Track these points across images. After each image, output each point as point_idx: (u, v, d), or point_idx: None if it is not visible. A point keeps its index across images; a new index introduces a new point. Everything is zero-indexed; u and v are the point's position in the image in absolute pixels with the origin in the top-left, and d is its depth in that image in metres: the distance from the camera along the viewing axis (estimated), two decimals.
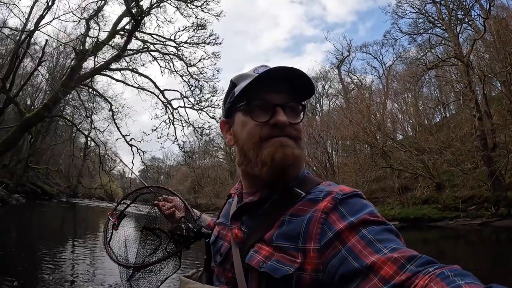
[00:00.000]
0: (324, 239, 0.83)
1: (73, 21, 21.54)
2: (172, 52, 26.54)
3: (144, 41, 26.16)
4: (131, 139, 26.05)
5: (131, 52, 26.10)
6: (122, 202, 1.63)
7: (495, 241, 14.95)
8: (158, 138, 26.28)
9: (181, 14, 24.52)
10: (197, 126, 27.13)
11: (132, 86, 26.69)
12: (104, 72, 25.45)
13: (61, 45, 25.48)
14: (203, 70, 26.66)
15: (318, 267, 0.83)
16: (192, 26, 25.36)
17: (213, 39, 25.95)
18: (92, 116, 28.30)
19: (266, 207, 1.02)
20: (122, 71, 26.53)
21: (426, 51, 28.16)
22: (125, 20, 24.31)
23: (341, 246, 0.80)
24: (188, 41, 25.84)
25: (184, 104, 26.76)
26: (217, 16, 24.55)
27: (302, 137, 1.04)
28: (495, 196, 18.18)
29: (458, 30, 25.77)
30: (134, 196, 1.64)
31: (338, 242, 0.81)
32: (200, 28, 25.44)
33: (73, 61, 23.50)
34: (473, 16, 26.06)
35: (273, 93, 1.01)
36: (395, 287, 0.66)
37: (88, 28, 22.52)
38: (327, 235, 0.83)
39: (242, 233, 1.03)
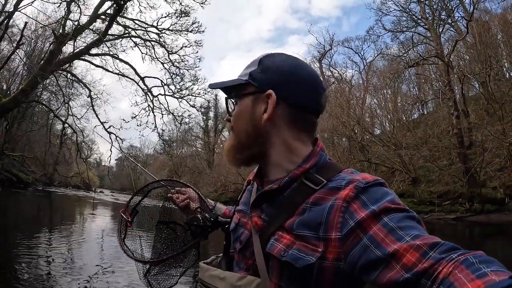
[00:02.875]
0: (345, 228, 0.83)
1: (54, 3, 20.99)
2: (153, 39, 26.34)
3: (125, 27, 25.77)
4: (109, 127, 25.74)
5: (112, 37, 25.69)
6: (134, 198, 1.59)
7: (469, 236, 15.38)
8: (137, 125, 26.11)
9: (165, 0, 24.19)
10: (177, 115, 27.06)
11: (112, 72, 26.37)
12: (84, 57, 24.98)
13: (40, 27, 24.82)
14: (184, 58, 26.62)
15: (339, 256, 0.82)
16: (175, 13, 25.12)
17: (196, 27, 25.84)
18: (70, 102, 27.84)
19: (286, 195, 1.00)
20: (102, 57, 26.15)
21: (408, 49, 28.51)
22: (107, 4, 23.83)
23: (363, 235, 0.79)
24: (171, 28, 25.67)
25: (165, 92, 26.70)
26: (202, 3, 24.34)
27: (237, 129, 1.07)
28: (469, 192, 18.68)
29: (440, 30, 26.28)
30: (146, 191, 1.60)
31: (360, 230, 0.80)
32: (183, 15, 25.22)
33: (52, 45, 22.89)
34: (456, 18, 26.59)
35: None
36: (418, 274, 0.66)
37: (68, 11, 21.96)
38: (349, 224, 0.82)
39: (262, 221, 1.02)
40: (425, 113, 32.29)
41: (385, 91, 30.53)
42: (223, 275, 1.04)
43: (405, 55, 28.17)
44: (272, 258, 0.92)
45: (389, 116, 30.00)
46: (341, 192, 0.88)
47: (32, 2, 18.20)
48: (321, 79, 1.10)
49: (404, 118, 29.13)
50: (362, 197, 0.86)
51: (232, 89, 1.08)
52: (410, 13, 29.97)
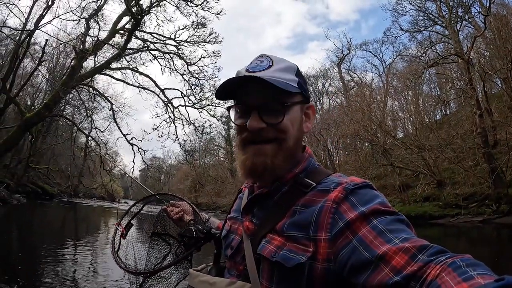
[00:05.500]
0: (335, 228, 0.84)
1: (73, 20, 21.66)
2: (172, 51, 26.65)
3: (144, 40, 26.20)
4: (132, 138, 26.24)
5: (131, 51, 26.14)
6: (129, 211, 1.64)
7: (497, 238, 14.94)
8: (159, 137, 26.36)
9: (181, 12, 24.59)
10: (197, 125, 27.24)
11: (132, 85, 26.78)
12: (105, 72, 25.49)
13: (61, 44, 25.50)
14: (203, 69, 26.79)
15: (329, 257, 0.83)
16: (192, 24, 25.41)
17: (214, 38, 26.07)
18: (93, 116, 28.43)
19: (276, 198, 1.02)
20: (122, 70, 26.58)
21: (426, 48, 27.98)
22: (125, 19, 24.43)
23: (352, 236, 0.80)
24: (188, 40, 25.93)
25: (185, 102, 26.88)
26: (217, 14, 24.60)
27: (289, 136, 1.01)
28: (496, 193, 18.16)
29: (458, 28, 25.63)
30: (141, 205, 1.65)
31: (349, 232, 0.81)
32: (200, 26, 25.50)
33: (73, 61, 23.49)
34: (473, 14, 25.86)
35: (250, 94, 1.01)
36: (407, 277, 0.67)
37: (88, 28, 22.54)
38: (338, 225, 0.84)
39: (253, 225, 1.04)
40: (448, 113, 31.60)
41: (406, 93, 29.95)
42: (213, 280, 1.05)
43: (424, 55, 27.73)
44: (263, 260, 0.93)
45: (411, 118, 29.36)
46: (330, 194, 0.91)
47: (51, 20, 18.78)
48: None
49: (427, 120, 28.53)
50: (351, 198, 0.88)
51: (277, 92, 0.98)
52: (427, 12, 29.53)
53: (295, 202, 0.97)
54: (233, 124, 1.07)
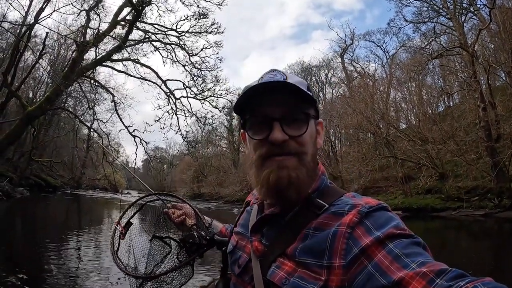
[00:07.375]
0: (349, 255, 0.81)
1: (73, 13, 21.52)
2: (173, 42, 26.55)
3: (145, 31, 26.12)
4: (134, 130, 26.35)
5: (132, 43, 26.09)
6: (129, 210, 1.59)
7: (498, 232, 14.97)
8: (161, 128, 26.42)
9: (182, 3, 24.41)
10: (200, 116, 27.26)
11: (134, 76, 26.80)
12: (106, 63, 25.49)
13: (61, 37, 25.40)
14: (205, 60, 26.75)
15: (343, 284, 0.80)
16: (193, 15, 25.30)
17: (215, 28, 25.97)
18: (95, 108, 28.48)
19: (287, 219, 0.99)
20: (123, 62, 26.58)
21: (431, 40, 27.81)
22: (126, 10, 24.23)
23: (367, 262, 0.77)
24: (190, 31, 25.85)
25: (187, 94, 26.92)
26: (219, 4, 24.46)
27: (308, 150, 0.98)
28: (498, 187, 18.17)
29: (463, 20, 25.41)
30: (141, 204, 1.61)
31: (364, 258, 0.78)
32: (201, 17, 25.39)
33: (74, 53, 23.48)
34: (478, 6, 25.62)
35: (270, 106, 0.96)
36: None
37: (88, 20, 22.42)
38: (353, 251, 0.81)
39: (262, 246, 1.01)
40: (451, 105, 31.45)
41: (409, 84, 29.87)
42: None
43: (428, 46, 27.56)
44: (272, 286, 0.91)
45: (414, 110, 29.36)
46: (344, 218, 0.88)
47: (51, 14, 18.69)
48: None
49: (430, 111, 28.43)
50: (366, 222, 0.85)
51: (299, 101, 0.97)
52: (431, 2, 29.23)
53: (307, 225, 0.93)
54: (251, 140, 1.02)
